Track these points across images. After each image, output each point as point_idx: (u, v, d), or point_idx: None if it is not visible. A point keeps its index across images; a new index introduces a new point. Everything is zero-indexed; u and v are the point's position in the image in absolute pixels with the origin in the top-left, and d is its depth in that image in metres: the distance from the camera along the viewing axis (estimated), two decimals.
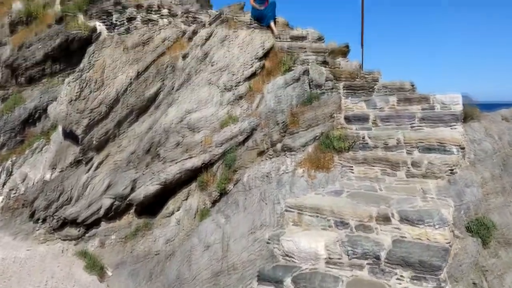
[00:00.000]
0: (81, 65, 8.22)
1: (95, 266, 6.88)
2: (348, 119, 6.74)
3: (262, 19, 9.80)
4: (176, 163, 6.88)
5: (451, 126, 6.24)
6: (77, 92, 7.93)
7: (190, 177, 6.91)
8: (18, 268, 6.83)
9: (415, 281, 3.86)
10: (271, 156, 6.60)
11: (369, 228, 4.39)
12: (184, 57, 8.58)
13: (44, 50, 10.97)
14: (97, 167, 7.69)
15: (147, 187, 6.80)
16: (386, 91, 7.97)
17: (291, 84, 7.62)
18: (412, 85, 8.22)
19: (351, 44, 9.26)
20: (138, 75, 8.52)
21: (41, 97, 10.59)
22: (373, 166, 6.08)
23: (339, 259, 4.18)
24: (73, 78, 8.00)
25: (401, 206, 4.50)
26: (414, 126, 6.38)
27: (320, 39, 9.09)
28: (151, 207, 7.25)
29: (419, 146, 5.99)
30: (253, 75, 7.95)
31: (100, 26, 11.80)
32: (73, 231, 7.57)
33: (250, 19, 10.14)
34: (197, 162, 6.83)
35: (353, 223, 4.47)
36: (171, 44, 9.18)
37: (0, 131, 9.82)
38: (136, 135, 7.87)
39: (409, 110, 6.84)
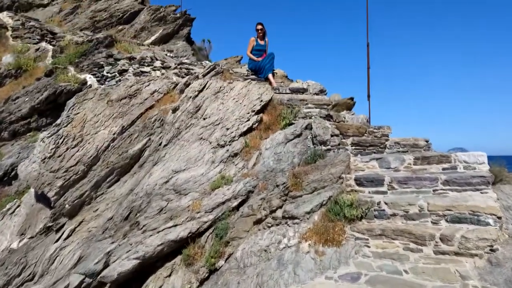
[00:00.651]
0: (59, 120, 7.43)
1: None
2: (359, 181, 5.81)
3: (259, 71, 9.24)
4: (158, 232, 5.83)
5: (480, 190, 5.31)
6: (52, 149, 7.06)
7: (174, 249, 5.83)
8: None
9: None
10: (270, 225, 5.58)
11: None
12: (175, 110, 7.83)
13: (31, 104, 10.38)
14: (68, 236, 6.61)
15: (123, 263, 5.68)
16: (399, 148, 7.13)
17: (292, 139, 6.79)
18: (427, 142, 7.41)
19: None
20: (123, 130, 7.71)
21: (20, 153, 9.75)
22: (393, 239, 5.05)
23: None
24: (48, 134, 7.17)
25: None
26: (437, 190, 5.44)
27: (322, 91, 8.43)
28: (128, 285, 6.08)
29: (447, 215, 5.02)
30: (250, 130, 7.15)
31: (91, 78, 11.29)
32: None
33: (247, 71, 9.60)
34: (183, 231, 5.79)
35: None
36: (161, 97, 8.48)
37: None
38: (115, 198, 6.88)
39: (428, 171, 5.98)
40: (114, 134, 7.54)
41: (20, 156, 9.57)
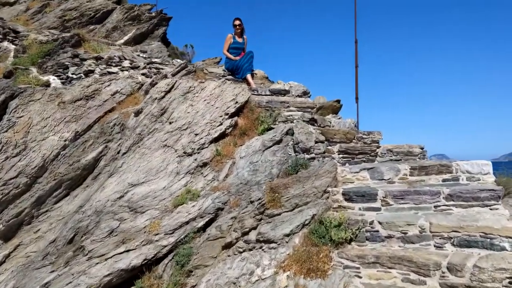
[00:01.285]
0: None
1: None
2: (347, 196, 4.92)
3: (237, 71, 8.33)
4: (106, 260, 4.80)
5: (490, 206, 4.49)
6: None
7: (125, 279, 4.80)
8: None
9: None
10: (241, 250, 4.61)
11: None
12: (137, 113, 6.84)
13: None
14: (1, 262, 5.52)
15: None
16: (391, 156, 6.28)
17: (271, 147, 5.87)
18: (422, 149, 6.60)
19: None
20: (76, 136, 6.67)
21: None
22: (390, 268, 4.16)
23: None
24: None
25: None
26: (439, 206, 4.60)
27: (305, 93, 7.56)
28: None
29: (453, 237, 4.17)
30: (223, 135, 6.20)
31: (54, 80, 10.19)
32: None
33: (224, 71, 8.68)
34: (137, 258, 4.77)
35: None
36: (123, 98, 7.49)
37: None
38: (62, 216, 5.82)
39: (427, 183, 5.15)
40: (65, 140, 6.50)
41: None
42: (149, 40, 14.56)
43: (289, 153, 5.81)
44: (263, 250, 4.52)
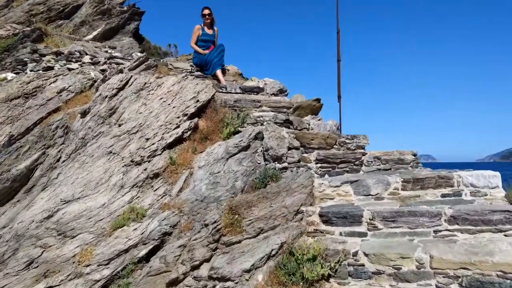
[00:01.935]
0: None
1: None
2: (326, 217, 3.95)
3: (206, 67, 7.33)
4: None
5: (504, 232, 3.57)
6: None
7: None
8: None
9: None
10: None
11: None
12: (84, 114, 5.79)
13: None
14: None
15: None
16: (379, 165, 5.33)
17: (236, 154, 4.88)
18: (415, 155, 5.69)
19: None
20: (11, 140, 5.61)
21: None
22: None
23: None
24: None
25: None
26: (440, 231, 3.67)
27: (282, 91, 6.61)
28: None
29: (462, 276, 3.21)
30: (179, 140, 5.19)
31: (13, 77, 9.20)
32: None
33: (191, 66, 7.67)
34: None
35: None
36: (71, 97, 6.45)
37: None
38: None
39: (423, 199, 4.24)
40: None
41: None
42: (120, 35, 13.47)
43: (258, 162, 4.83)
44: None
